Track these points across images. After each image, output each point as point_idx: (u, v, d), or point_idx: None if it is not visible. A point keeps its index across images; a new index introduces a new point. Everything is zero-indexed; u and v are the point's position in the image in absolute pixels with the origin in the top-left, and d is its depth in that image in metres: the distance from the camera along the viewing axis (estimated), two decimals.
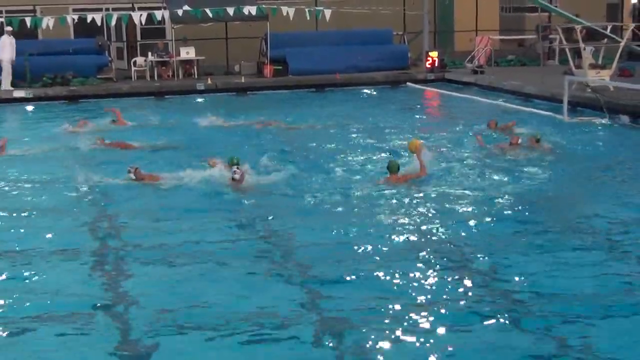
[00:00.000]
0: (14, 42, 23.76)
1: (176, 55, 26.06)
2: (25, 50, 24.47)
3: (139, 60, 26.25)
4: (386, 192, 11.13)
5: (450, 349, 6.31)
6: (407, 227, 9.59)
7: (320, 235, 9.40)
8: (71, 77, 24.42)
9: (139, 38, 28.46)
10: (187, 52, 25.96)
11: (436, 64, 26.25)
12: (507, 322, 6.76)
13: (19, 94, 23.24)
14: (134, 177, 11.76)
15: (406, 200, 10.70)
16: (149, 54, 26.14)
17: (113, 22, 25.81)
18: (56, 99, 23.18)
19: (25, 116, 21.27)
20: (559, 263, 8.18)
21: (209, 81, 24.72)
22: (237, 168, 11.51)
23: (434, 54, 26.49)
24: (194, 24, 26.22)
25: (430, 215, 10.10)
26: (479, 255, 8.52)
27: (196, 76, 25.88)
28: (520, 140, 13.95)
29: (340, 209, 10.47)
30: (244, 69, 26.62)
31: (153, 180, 11.84)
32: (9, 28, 23.96)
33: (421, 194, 10.95)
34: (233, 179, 11.33)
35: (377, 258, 8.42)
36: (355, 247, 8.77)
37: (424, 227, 9.56)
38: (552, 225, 9.60)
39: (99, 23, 25.36)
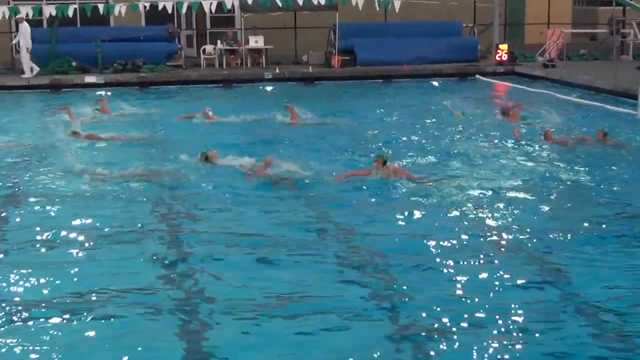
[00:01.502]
0: (29, 30, 23.89)
1: (245, 43, 26.19)
2: (98, 36, 24.88)
3: (208, 48, 26.46)
4: (450, 185, 11.05)
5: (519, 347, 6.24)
6: (476, 221, 9.50)
7: (380, 225, 9.38)
8: (141, 63, 24.72)
9: (208, 26, 28.69)
10: (256, 41, 26.06)
11: (506, 57, 25.90)
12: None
13: (90, 79, 23.63)
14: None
15: (474, 194, 10.61)
16: (218, 42, 26.33)
17: (184, 10, 26.03)
18: (126, 85, 23.49)
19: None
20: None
21: (277, 70, 24.78)
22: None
23: (504, 47, 26.12)
24: (263, 12, 26.32)
25: (494, 209, 9.99)
26: (543, 248, 8.40)
27: (264, 65, 25.97)
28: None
29: (407, 200, 10.41)
30: (312, 58, 26.63)
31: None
32: (21, 16, 24.19)
33: (481, 190, 10.84)
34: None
35: (450, 251, 8.37)
36: (427, 241, 8.73)
37: (488, 222, 9.45)
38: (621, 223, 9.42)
39: (169, 11, 25.63)
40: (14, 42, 23.83)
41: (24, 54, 23.76)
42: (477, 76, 25.14)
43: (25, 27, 23.72)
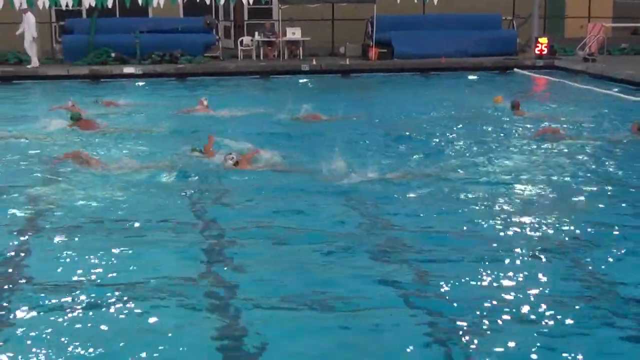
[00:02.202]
0: (34, 20, 24.00)
1: (282, 35, 26.20)
2: (136, 27, 25.05)
3: (246, 39, 26.52)
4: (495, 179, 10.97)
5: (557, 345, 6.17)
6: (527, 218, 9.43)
7: (420, 218, 9.35)
8: (179, 55, 24.83)
9: (246, 18, 28.74)
10: (293, 33, 26.06)
11: (546, 51, 25.65)
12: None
13: (129, 70, 23.79)
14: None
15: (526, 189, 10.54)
16: (256, 33, 26.37)
17: (222, 1, 26.11)
18: (164, 76, 23.62)
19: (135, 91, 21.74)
20: None
21: (314, 62, 24.77)
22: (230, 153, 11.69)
23: (543, 40, 25.86)
24: (300, 4, 26.31)
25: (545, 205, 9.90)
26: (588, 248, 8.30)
27: (301, 57, 25.97)
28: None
29: (440, 194, 10.35)
30: (349, 50, 26.58)
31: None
32: (25, 6, 24.29)
33: (535, 186, 10.74)
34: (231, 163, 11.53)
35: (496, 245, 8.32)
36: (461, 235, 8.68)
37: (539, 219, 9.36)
38: None
39: (207, 2, 25.73)
40: (17, 32, 23.97)
41: (28, 44, 23.91)
42: (516, 69, 24.92)
43: (30, 17, 23.89)
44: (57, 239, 8.65)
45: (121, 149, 13.22)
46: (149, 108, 17.89)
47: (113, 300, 6.97)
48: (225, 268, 7.84)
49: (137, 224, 9.14)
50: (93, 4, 25.16)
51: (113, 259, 7.99)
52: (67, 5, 25.14)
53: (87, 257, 8.01)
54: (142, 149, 13.32)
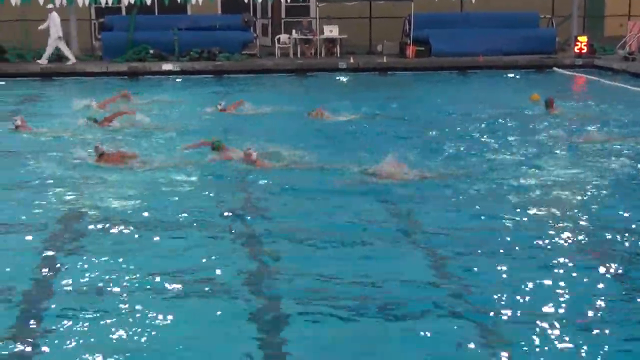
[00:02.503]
0: (59, 19, 24.17)
1: (319, 33, 26.22)
2: (175, 25, 25.22)
3: (283, 37, 26.58)
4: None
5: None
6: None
7: (455, 218, 9.33)
8: (217, 52, 24.95)
9: (283, 15, 28.80)
10: (331, 31, 26.06)
11: (585, 49, 25.40)
12: None
13: (167, 67, 23.96)
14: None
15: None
16: (293, 31, 26.41)
17: None
18: (202, 73, 23.75)
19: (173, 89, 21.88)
20: None
21: (351, 60, 24.75)
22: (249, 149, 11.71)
23: (582, 39, 25.62)
24: (338, 2, 26.32)
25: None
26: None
27: (338, 55, 25.96)
28: None
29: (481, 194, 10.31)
30: (386, 48, 26.52)
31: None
32: (50, 6, 24.48)
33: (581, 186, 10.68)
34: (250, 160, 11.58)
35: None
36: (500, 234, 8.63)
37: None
38: None
39: (245, 0, 25.81)
40: (41, 27, 24.21)
41: (51, 42, 24.12)
42: (555, 68, 24.71)
43: (55, 16, 24.12)
44: (93, 238, 8.76)
45: (148, 146, 13.39)
46: (177, 105, 18.07)
47: (154, 298, 7.06)
48: (267, 265, 7.90)
49: (179, 221, 9.24)
50: (132, 1, 25.39)
51: (146, 258, 8.07)
52: (106, 3, 25.40)
53: (121, 256, 8.09)
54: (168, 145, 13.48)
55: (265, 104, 17.26)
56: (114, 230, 8.89)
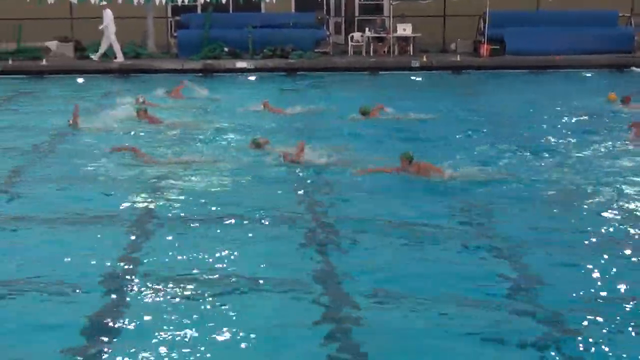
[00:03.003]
0: (111, 17, 24.49)
1: (393, 31, 26.15)
2: (249, 23, 25.46)
3: (356, 35, 26.58)
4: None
5: None
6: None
7: (528, 219, 9.27)
8: (290, 50, 25.10)
9: (357, 13, 28.81)
10: (404, 29, 25.97)
11: None
12: None
13: (241, 64, 24.21)
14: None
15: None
16: (366, 29, 26.38)
17: None
18: (275, 71, 23.91)
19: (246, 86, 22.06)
20: None
21: (424, 59, 24.62)
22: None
23: None
24: (412, 0, 26.20)
25: None
26: None
27: (411, 53, 25.85)
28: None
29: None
30: (460, 47, 26.31)
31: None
32: (104, 2, 24.81)
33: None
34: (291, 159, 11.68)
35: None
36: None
37: None
38: None
39: None
40: (100, 27, 24.63)
41: (105, 39, 24.50)
42: (633, 68, 24.19)
43: (108, 14, 24.49)
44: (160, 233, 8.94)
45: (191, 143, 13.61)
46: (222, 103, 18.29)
47: (222, 293, 7.19)
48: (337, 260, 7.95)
49: (236, 217, 9.36)
50: (208, 0, 25.70)
51: (213, 252, 8.21)
52: (183, 1, 25.79)
53: (196, 249, 8.27)
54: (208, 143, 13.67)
55: (335, 102, 17.32)
56: (182, 224, 9.11)
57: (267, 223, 9.15)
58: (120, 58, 24.50)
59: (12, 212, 9.70)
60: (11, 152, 13.14)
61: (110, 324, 6.58)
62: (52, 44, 25.19)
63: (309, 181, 11.02)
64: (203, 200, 10.07)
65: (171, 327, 6.47)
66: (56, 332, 6.43)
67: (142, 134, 14.45)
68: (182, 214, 9.55)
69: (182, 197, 10.27)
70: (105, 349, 6.18)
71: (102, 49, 24.66)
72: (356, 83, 22.36)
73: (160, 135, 14.36)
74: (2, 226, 9.16)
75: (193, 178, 11.14)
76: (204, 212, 9.59)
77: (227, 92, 20.01)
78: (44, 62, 24.23)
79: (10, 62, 24.13)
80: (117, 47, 24.54)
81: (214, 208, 9.73)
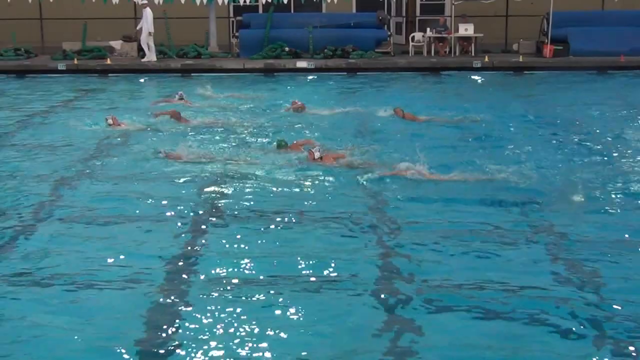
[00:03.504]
0: (152, 15, 24.69)
1: (454, 31, 25.97)
2: (310, 22, 25.53)
3: (417, 35, 26.46)
4: None
5: None
6: None
7: (591, 223, 9.11)
8: (351, 50, 25.09)
9: (418, 13, 28.68)
10: (466, 29, 25.76)
11: None
12: None
13: (301, 64, 24.27)
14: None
15: None
16: (428, 29, 26.25)
17: None
18: (335, 71, 23.92)
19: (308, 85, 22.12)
20: None
21: (486, 59, 24.39)
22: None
23: None
24: (474, 0, 26.00)
25: None
26: None
27: (473, 53, 25.64)
28: None
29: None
30: (522, 47, 26.01)
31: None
32: (145, 2, 24.95)
33: None
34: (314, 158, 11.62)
35: None
36: None
37: None
38: None
39: None
40: (138, 27, 24.83)
41: (144, 37, 24.69)
42: None
43: (148, 13, 24.69)
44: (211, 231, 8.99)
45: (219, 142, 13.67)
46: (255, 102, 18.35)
47: (282, 292, 7.21)
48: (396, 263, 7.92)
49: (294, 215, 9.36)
50: (270, 0, 25.85)
51: (269, 251, 8.26)
52: (244, 1, 25.97)
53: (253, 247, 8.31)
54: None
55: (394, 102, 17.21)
56: (235, 222, 9.18)
57: (321, 223, 9.14)
58: (152, 58, 24.82)
59: (68, 211, 9.80)
60: (70, 150, 13.31)
61: (167, 322, 6.65)
62: (117, 44, 25.59)
63: (363, 183, 10.94)
64: (256, 199, 10.12)
65: (227, 326, 6.51)
66: (110, 329, 6.51)
67: (181, 132, 14.60)
68: (235, 212, 9.60)
69: (236, 195, 10.34)
70: (162, 347, 6.24)
71: (148, 48, 24.96)
72: (417, 83, 22.27)
73: (201, 134, 14.47)
74: (59, 224, 9.26)
75: (244, 177, 11.18)
76: (258, 210, 9.63)
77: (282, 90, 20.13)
78: (108, 61, 24.64)
79: (75, 61, 24.58)
80: (152, 46, 24.85)
81: (268, 207, 9.76)
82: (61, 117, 16.73)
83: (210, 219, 9.42)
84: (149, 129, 14.90)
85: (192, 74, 23.75)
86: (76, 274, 7.63)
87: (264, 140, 13.69)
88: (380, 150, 12.73)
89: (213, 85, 20.12)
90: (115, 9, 25.71)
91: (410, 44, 26.27)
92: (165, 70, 24.15)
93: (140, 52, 25.50)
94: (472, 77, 23.10)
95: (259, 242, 8.52)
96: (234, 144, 13.57)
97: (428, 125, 15.27)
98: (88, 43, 25.58)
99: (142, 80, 23.05)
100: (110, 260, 7.98)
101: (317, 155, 11.67)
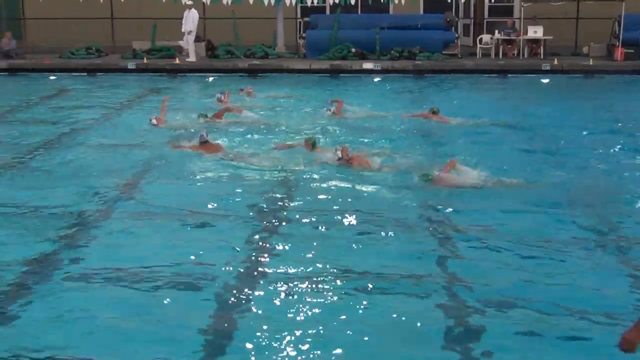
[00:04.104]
0: (193, 16, 24.83)
1: (523, 33, 25.65)
2: (377, 24, 25.49)
3: (485, 37, 26.22)
4: None
5: None
6: None
7: None
8: (418, 51, 24.98)
9: (486, 15, 28.42)
10: (535, 31, 25.43)
11: None
12: None
13: (367, 65, 24.25)
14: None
15: None
16: (496, 31, 25.98)
17: None
18: (402, 73, 23.83)
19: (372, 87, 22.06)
20: None
21: (555, 62, 24.04)
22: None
23: None
24: (544, 2, 25.66)
25: None
26: None
27: (542, 56, 25.30)
28: None
29: None
30: (593, 50, 25.56)
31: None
32: (190, 2, 25.07)
33: None
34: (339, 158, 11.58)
35: None
36: None
37: None
38: None
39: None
40: (183, 29, 24.99)
41: (190, 38, 24.91)
42: None
43: (195, 14, 24.88)
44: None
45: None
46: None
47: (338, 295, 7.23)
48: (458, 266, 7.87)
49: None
50: (337, 1, 25.90)
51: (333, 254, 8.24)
52: (312, 2, 26.07)
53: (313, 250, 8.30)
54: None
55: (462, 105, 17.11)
56: (298, 220, 9.24)
57: (384, 225, 9.12)
58: (192, 58, 25.07)
59: (130, 208, 9.95)
60: (134, 149, 13.49)
61: (231, 320, 6.71)
62: (185, 43, 25.91)
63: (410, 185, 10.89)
64: (321, 198, 10.17)
65: (288, 325, 6.55)
66: (179, 330, 6.56)
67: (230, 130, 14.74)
68: (297, 214, 9.65)
69: (300, 194, 10.43)
70: (229, 348, 6.30)
71: (191, 50, 25.21)
72: (485, 85, 22.08)
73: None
74: (123, 223, 9.38)
75: (305, 177, 11.26)
76: (325, 210, 9.66)
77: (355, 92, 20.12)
78: (176, 60, 24.97)
79: (144, 60, 24.97)
80: (192, 48, 25.10)
81: (336, 207, 9.79)
82: (129, 115, 17.03)
83: (272, 216, 9.49)
84: (192, 129, 14.93)
85: (259, 74, 23.92)
86: (144, 269, 7.76)
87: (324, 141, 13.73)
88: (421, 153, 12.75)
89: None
90: (184, 9, 26.00)
91: (478, 46, 26.04)
92: (232, 70, 24.38)
93: (208, 51, 25.85)
94: (541, 79, 22.79)
95: (320, 242, 8.55)
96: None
97: (458, 127, 15.18)
98: (157, 42, 25.96)
99: (209, 79, 23.28)
100: (175, 256, 8.08)
101: (339, 155, 11.67)
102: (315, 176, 11.31)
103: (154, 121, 15.25)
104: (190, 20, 24.94)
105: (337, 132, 14.68)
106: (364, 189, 10.61)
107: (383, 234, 8.84)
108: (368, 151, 12.45)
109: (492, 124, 15.26)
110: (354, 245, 8.45)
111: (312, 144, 12.60)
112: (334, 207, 9.77)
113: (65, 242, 8.64)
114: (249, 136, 14.27)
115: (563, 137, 14.22)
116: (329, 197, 10.25)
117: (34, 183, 11.22)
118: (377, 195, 10.36)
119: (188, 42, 25.11)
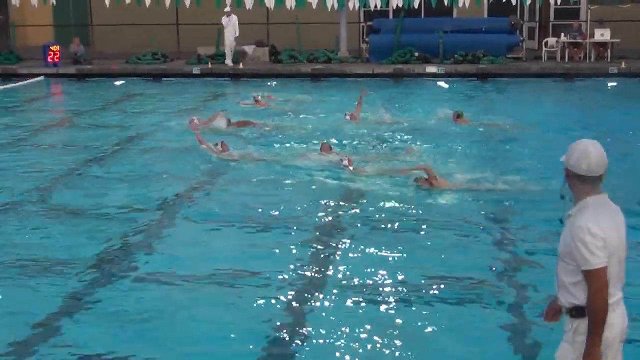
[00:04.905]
0: (233, 22, 25.02)
1: (590, 36, 25.24)
2: (441, 27, 25.35)
3: (551, 40, 25.86)
4: None
5: None
6: None
7: None
8: (482, 55, 24.77)
9: (552, 18, 28.04)
10: (602, 35, 25.00)
11: None
12: None
13: (431, 69, 24.13)
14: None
15: None
16: (562, 35, 25.62)
17: (528, 2, 25.71)
18: (466, 76, 23.64)
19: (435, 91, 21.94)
20: None
21: (623, 65, 23.59)
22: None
23: None
24: (611, 5, 25.21)
25: None
26: None
27: (609, 60, 24.85)
28: None
29: None
30: None
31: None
32: (228, 9, 25.20)
33: None
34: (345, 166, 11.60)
35: None
36: None
37: None
38: None
39: (513, 2, 25.47)
40: (230, 35, 25.13)
41: (229, 43, 25.09)
42: None
43: (235, 19, 25.02)
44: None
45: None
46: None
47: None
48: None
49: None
50: (400, 5, 25.84)
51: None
52: (375, 6, 26.05)
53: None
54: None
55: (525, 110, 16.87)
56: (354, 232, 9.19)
57: (447, 237, 9.06)
58: (229, 63, 25.31)
59: (191, 214, 10.05)
60: (189, 153, 13.61)
61: (286, 328, 6.73)
62: (249, 48, 26.15)
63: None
64: (382, 207, 10.14)
65: (354, 331, 6.56)
66: (236, 333, 6.62)
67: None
68: (359, 220, 9.64)
69: (356, 205, 10.39)
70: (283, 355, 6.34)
71: (228, 54, 25.44)
72: (550, 89, 21.78)
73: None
74: (184, 228, 9.51)
75: (363, 186, 11.23)
76: (385, 220, 9.62)
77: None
78: (240, 65, 25.19)
79: (209, 65, 25.25)
80: (229, 52, 25.33)
81: (398, 216, 9.77)
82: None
83: (336, 224, 9.51)
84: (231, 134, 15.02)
85: (322, 79, 23.98)
86: (210, 274, 7.85)
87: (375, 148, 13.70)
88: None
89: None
90: (248, 15, 26.26)
91: (544, 49, 25.69)
92: (295, 75, 24.49)
93: (272, 56, 26.05)
94: (608, 83, 22.37)
95: (380, 250, 8.53)
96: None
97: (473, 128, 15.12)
98: (222, 48, 26.22)
99: (271, 84, 23.40)
100: (242, 262, 8.17)
101: (345, 162, 11.70)
102: (376, 185, 11.25)
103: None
104: (237, 26, 25.22)
105: (355, 138, 14.65)
106: (432, 202, 10.51)
107: (447, 242, 8.80)
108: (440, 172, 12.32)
109: (555, 128, 15.07)
110: (418, 252, 8.45)
111: (327, 147, 12.70)
112: (395, 216, 9.74)
113: (128, 245, 8.79)
114: (291, 143, 14.32)
115: (632, 141, 13.93)
116: (392, 207, 10.20)
117: (100, 186, 11.43)
118: (444, 209, 10.23)
119: (230, 48, 25.42)
